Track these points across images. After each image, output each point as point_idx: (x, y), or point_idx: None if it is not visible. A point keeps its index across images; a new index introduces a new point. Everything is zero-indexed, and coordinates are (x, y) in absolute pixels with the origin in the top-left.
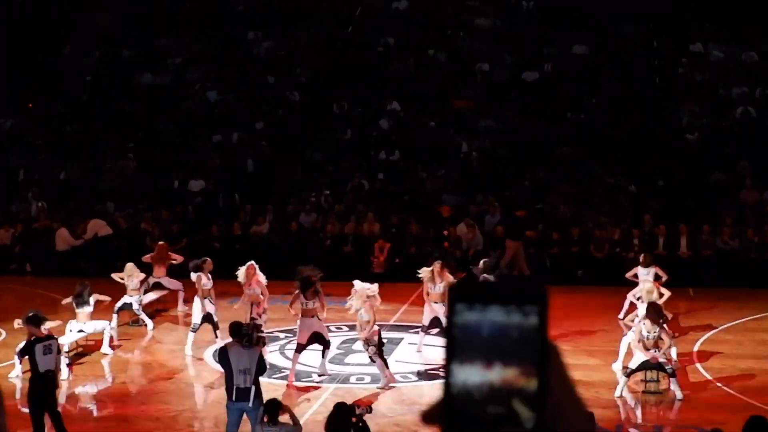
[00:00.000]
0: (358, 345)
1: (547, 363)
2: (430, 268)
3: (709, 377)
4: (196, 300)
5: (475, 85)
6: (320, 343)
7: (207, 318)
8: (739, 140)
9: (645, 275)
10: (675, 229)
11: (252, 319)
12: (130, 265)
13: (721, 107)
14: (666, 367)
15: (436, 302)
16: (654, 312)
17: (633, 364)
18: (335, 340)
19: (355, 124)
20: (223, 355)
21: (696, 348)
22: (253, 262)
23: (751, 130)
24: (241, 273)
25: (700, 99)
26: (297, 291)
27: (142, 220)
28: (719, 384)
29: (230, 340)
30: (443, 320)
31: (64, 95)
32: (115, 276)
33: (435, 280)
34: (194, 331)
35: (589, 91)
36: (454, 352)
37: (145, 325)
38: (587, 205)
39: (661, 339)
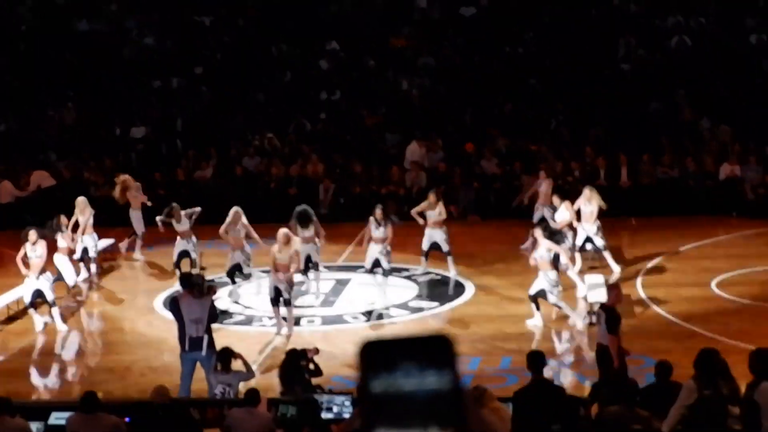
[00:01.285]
0: (307, 287)
1: (464, 425)
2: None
3: (653, 306)
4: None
5: (412, 23)
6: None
7: (184, 254)
8: (675, 69)
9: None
10: (615, 160)
11: (202, 269)
12: (81, 200)
13: (656, 37)
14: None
15: (376, 244)
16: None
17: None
18: None
19: (294, 65)
20: (174, 306)
21: (640, 277)
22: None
23: (687, 59)
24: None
25: (636, 30)
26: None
27: (85, 169)
28: (663, 312)
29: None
30: (383, 262)
31: (0, 46)
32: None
33: (379, 223)
34: (176, 266)
35: (527, 25)
36: (373, 421)
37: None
38: (528, 139)
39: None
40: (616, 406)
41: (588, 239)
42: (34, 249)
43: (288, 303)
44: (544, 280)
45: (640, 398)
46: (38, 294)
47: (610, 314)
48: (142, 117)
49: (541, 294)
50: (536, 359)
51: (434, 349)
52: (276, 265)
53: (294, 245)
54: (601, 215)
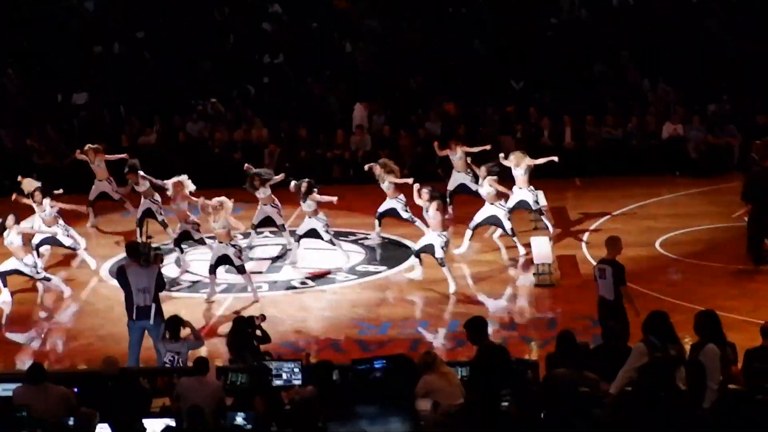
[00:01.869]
0: (255, 253)
1: None
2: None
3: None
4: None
5: None
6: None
7: (147, 213)
8: (618, 30)
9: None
10: (559, 121)
11: (149, 237)
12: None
13: None
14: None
15: (310, 217)
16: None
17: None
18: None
19: (237, 28)
20: (121, 275)
21: (585, 238)
22: (183, 177)
23: (630, 18)
24: (169, 187)
25: None
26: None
27: (28, 137)
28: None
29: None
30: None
31: None
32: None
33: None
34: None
35: None
36: None
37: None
38: (474, 102)
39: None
40: (563, 369)
41: (521, 203)
42: (43, 208)
43: (241, 270)
44: (436, 236)
45: (588, 360)
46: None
47: (616, 266)
48: (84, 83)
49: (429, 249)
50: (477, 327)
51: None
52: (216, 234)
53: (227, 211)
54: (544, 175)
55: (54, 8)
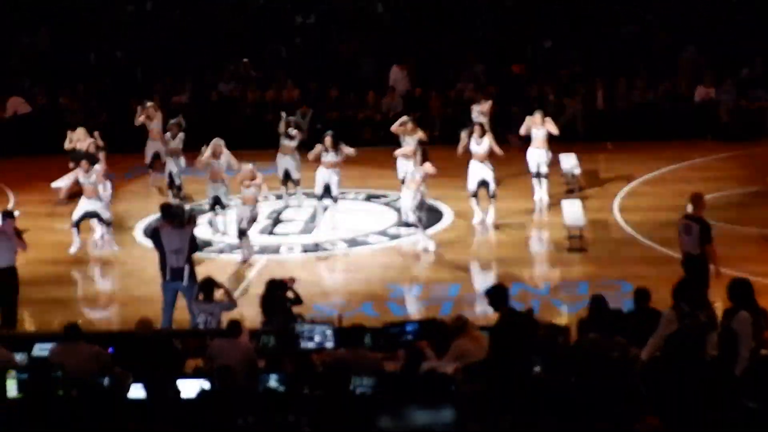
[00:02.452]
0: (286, 215)
1: None
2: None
3: (630, 230)
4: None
5: None
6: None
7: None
8: None
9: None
10: (590, 85)
11: (182, 198)
12: (81, 130)
13: None
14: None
15: (326, 168)
16: None
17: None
18: (264, 209)
19: None
20: (155, 236)
21: (617, 202)
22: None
23: None
24: (208, 150)
25: None
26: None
27: (60, 95)
28: (640, 237)
29: None
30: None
31: None
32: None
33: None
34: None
35: None
36: None
37: None
38: (504, 62)
39: None
40: (594, 334)
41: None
42: (89, 176)
43: (243, 233)
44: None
45: (619, 325)
46: (88, 215)
47: (703, 224)
48: (117, 41)
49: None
50: (498, 293)
51: (437, 390)
52: (244, 198)
53: (259, 180)
54: (575, 139)
55: None
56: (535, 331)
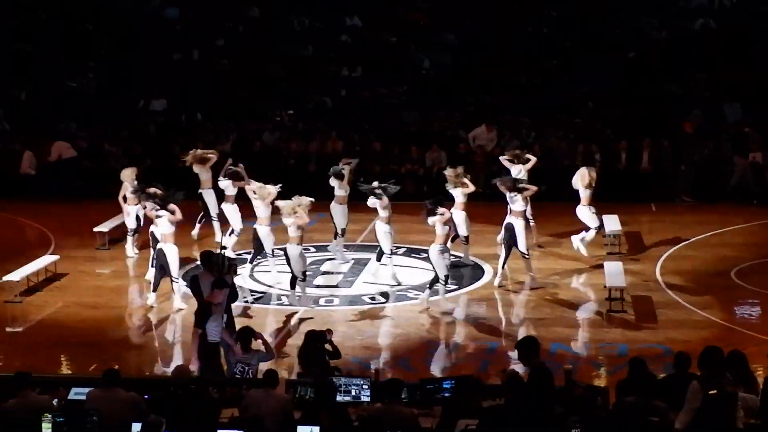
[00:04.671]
0: (327, 266)
1: None
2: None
3: (672, 295)
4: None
5: None
6: None
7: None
8: (698, 52)
9: None
10: (637, 144)
11: (223, 248)
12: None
13: (679, 19)
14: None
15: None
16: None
17: None
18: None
19: (315, 39)
20: (194, 284)
21: (659, 265)
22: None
23: (710, 41)
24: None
25: (659, 11)
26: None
27: (104, 140)
28: (682, 301)
29: None
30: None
31: (19, 14)
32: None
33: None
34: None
35: (549, 3)
36: None
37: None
38: (546, 121)
39: None
40: (633, 397)
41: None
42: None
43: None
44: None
45: (658, 389)
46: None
47: None
48: (162, 88)
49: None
50: (528, 347)
51: None
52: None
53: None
54: (619, 199)
55: (136, 14)
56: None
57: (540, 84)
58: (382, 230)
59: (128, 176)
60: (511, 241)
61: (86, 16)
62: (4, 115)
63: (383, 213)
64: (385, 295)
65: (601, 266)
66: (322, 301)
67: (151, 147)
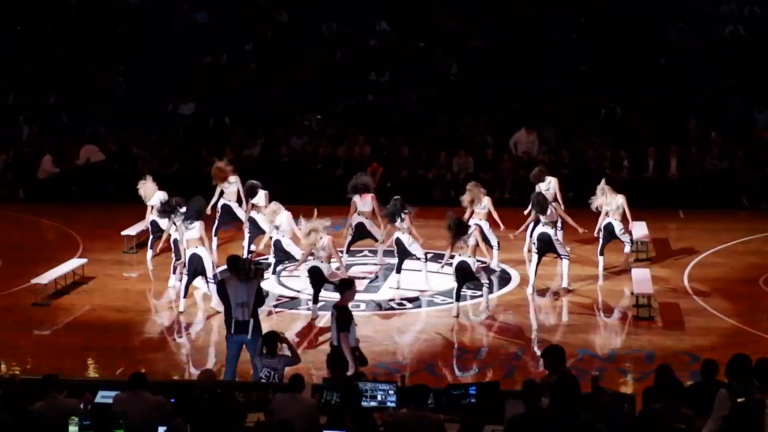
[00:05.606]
0: (353, 271)
1: None
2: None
3: (699, 302)
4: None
5: (461, 2)
6: None
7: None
8: (727, 59)
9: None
10: (665, 151)
11: (250, 252)
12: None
13: (709, 26)
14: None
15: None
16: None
17: None
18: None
19: (344, 44)
20: (221, 289)
21: (687, 272)
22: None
23: (740, 48)
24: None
25: (689, 18)
26: None
27: (132, 143)
28: (709, 308)
29: None
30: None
31: (51, 17)
32: None
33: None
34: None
35: (577, 8)
36: None
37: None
38: (575, 127)
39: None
40: (659, 404)
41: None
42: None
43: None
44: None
45: (685, 396)
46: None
47: None
48: (191, 92)
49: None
50: (553, 354)
51: None
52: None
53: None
54: (647, 206)
55: (165, 17)
56: (578, 397)
57: (568, 89)
58: (408, 241)
59: (150, 192)
60: (545, 249)
61: (116, 20)
62: (32, 118)
63: (404, 226)
64: (412, 300)
65: (629, 272)
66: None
67: (180, 151)
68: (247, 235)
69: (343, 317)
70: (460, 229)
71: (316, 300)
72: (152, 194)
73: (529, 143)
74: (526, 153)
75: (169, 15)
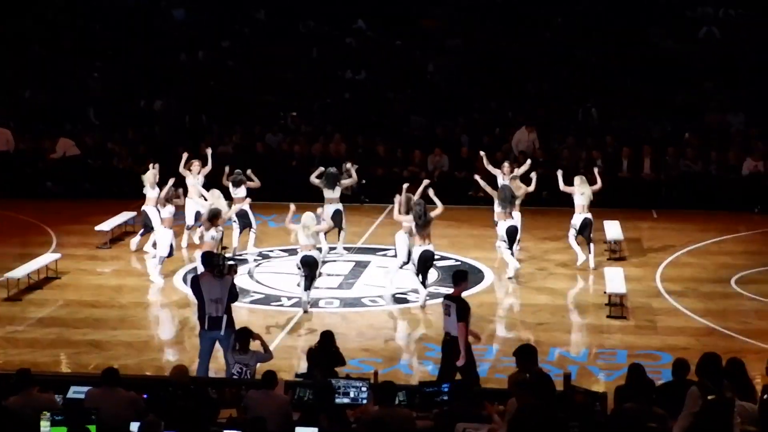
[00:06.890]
0: (327, 268)
1: None
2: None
3: (671, 301)
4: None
5: (443, 3)
6: None
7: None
8: (703, 61)
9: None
10: (638, 151)
11: (224, 248)
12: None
13: (686, 28)
14: None
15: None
16: None
17: None
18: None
19: (321, 42)
20: (195, 285)
21: (659, 271)
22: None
23: (715, 50)
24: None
25: (665, 20)
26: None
27: (109, 140)
28: (681, 308)
29: None
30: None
31: (30, 14)
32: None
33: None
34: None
35: (558, 10)
36: None
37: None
38: (552, 127)
39: None
40: (632, 403)
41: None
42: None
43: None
44: None
45: (657, 396)
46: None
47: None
48: (168, 89)
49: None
50: (526, 354)
51: None
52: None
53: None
54: (620, 206)
55: (143, 15)
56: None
57: (546, 90)
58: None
59: (149, 179)
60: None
61: (93, 16)
62: (8, 114)
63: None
64: (387, 297)
65: (602, 272)
66: (321, 303)
67: (156, 148)
68: (236, 229)
69: (463, 308)
70: (425, 220)
71: (309, 287)
72: (151, 184)
73: (529, 142)
74: (522, 153)
75: (147, 11)
